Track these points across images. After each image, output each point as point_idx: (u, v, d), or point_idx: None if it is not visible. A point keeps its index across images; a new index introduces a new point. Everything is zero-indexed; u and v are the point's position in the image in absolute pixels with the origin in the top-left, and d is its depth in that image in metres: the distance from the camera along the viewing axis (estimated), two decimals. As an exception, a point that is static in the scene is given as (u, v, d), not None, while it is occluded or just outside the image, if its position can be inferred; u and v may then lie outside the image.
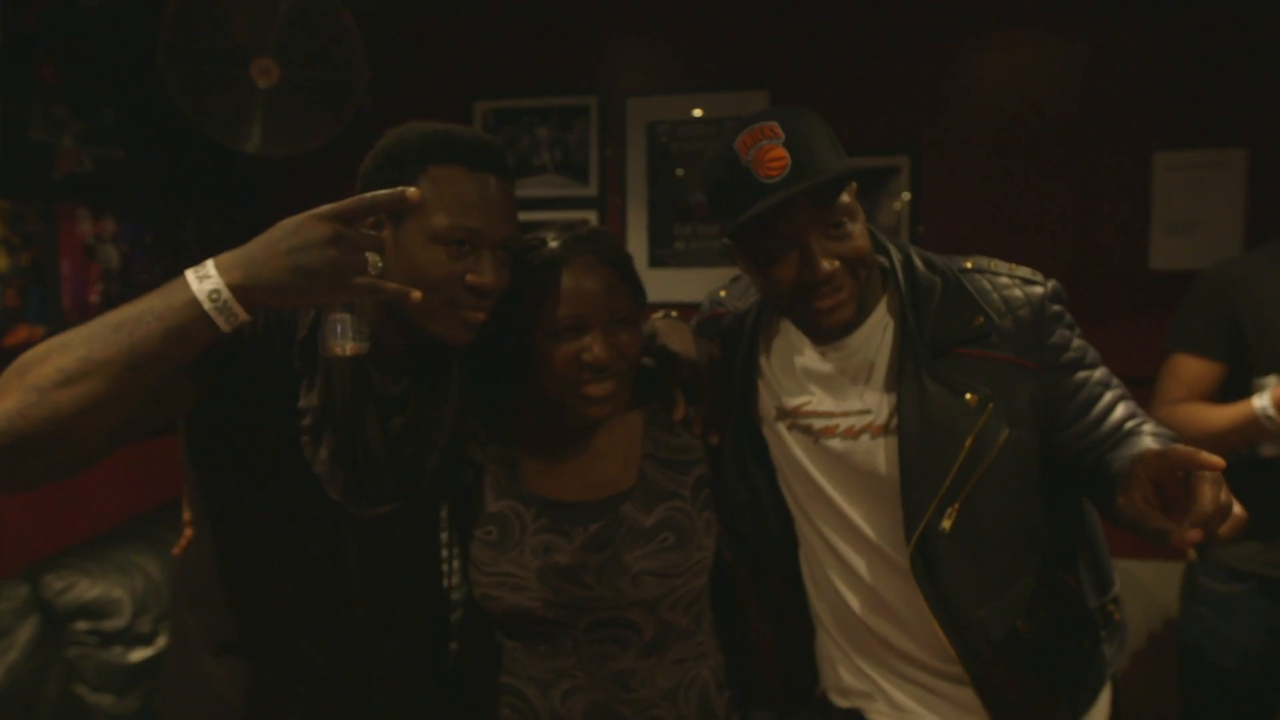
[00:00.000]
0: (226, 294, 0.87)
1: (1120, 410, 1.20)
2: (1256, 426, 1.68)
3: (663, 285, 2.94)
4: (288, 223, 0.90)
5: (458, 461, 1.27)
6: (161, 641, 2.35)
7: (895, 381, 1.20)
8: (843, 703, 1.35)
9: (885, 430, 1.21)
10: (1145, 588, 2.52)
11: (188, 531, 1.27)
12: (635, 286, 1.25)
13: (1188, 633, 1.94)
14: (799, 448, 1.27)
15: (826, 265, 1.13)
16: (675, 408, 1.30)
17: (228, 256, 0.89)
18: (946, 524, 1.16)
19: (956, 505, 1.17)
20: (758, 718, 1.40)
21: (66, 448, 0.86)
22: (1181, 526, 0.88)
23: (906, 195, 2.80)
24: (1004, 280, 1.23)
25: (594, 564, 1.21)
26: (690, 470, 1.29)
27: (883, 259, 1.26)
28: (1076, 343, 1.24)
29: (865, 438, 1.22)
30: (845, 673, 1.33)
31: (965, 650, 1.20)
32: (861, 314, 1.23)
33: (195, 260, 0.89)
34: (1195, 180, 2.62)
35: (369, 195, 0.92)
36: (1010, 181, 2.76)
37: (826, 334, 1.23)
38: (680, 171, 2.99)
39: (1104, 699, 1.31)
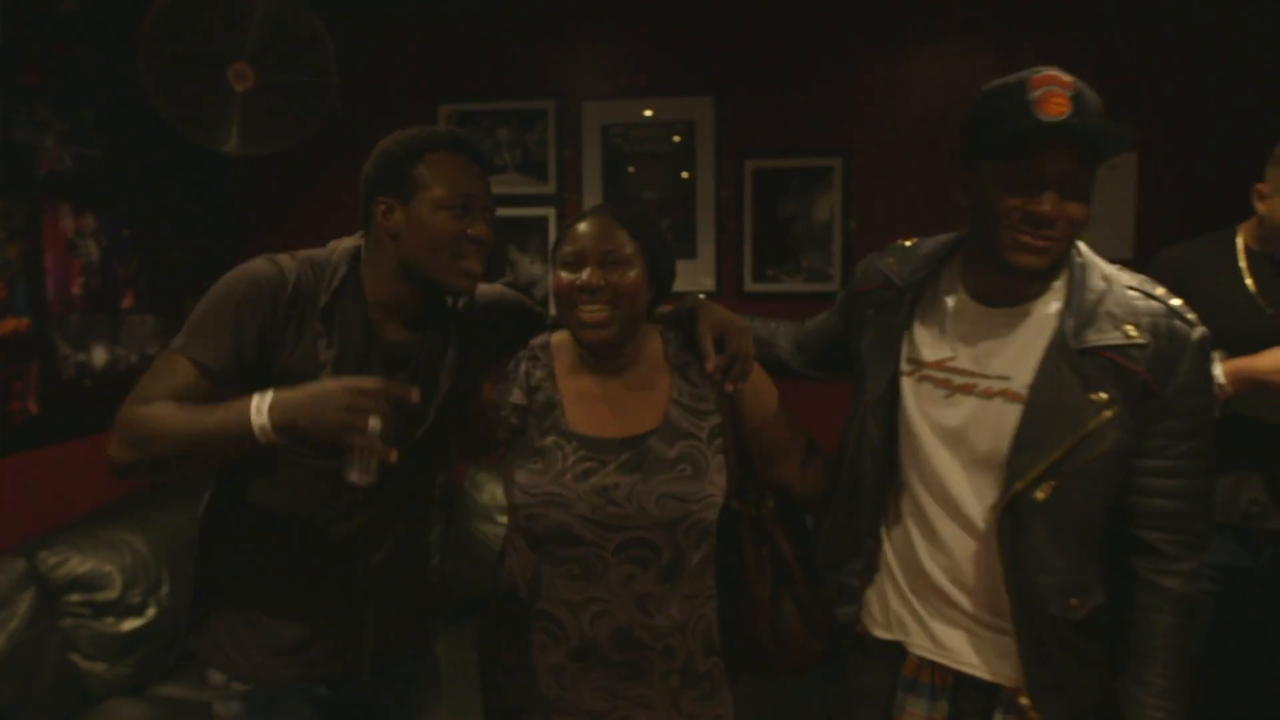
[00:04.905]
0: (270, 431, 1.22)
1: (1168, 505, 1.30)
2: None
3: (617, 277, 3.14)
4: (327, 387, 1.21)
5: (453, 419, 1.51)
6: (151, 613, 2.48)
7: (1040, 359, 1.31)
8: (885, 635, 1.47)
9: (1018, 398, 1.32)
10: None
11: None
12: (640, 238, 1.45)
13: None
14: (926, 399, 1.39)
15: (1050, 207, 1.23)
16: (706, 361, 1.48)
17: (281, 399, 1.21)
18: (1041, 495, 1.28)
19: (1054, 481, 1.28)
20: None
21: (162, 474, 1.34)
22: None
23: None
24: (1159, 307, 1.32)
25: (625, 485, 1.43)
26: (708, 418, 1.50)
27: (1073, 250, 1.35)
28: (1196, 403, 1.31)
29: (999, 400, 1.33)
30: (897, 607, 1.45)
31: (1020, 612, 1.32)
32: (1045, 283, 1.33)
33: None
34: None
35: (385, 386, 1.21)
36: (931, 179, 2.95)
37: (1017, 273, 1.30)
38: (632, 169, 3.18)
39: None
